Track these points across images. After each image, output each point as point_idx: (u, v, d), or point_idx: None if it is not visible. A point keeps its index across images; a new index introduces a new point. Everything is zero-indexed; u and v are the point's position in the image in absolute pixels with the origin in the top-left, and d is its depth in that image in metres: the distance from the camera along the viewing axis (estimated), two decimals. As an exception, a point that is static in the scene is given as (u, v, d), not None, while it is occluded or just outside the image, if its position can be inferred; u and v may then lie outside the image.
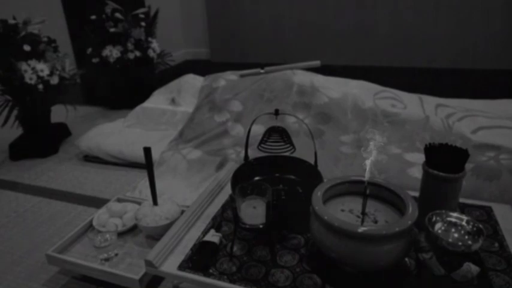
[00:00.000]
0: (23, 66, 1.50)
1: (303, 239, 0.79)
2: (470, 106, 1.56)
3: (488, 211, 0.87)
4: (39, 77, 1.54)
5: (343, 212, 0.71)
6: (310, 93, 1.53)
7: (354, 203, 0.73)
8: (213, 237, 0.79)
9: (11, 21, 1.55)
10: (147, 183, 1.02)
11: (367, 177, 0.67)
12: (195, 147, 1.47)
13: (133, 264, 0.95)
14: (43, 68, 1.54)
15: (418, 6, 2.88)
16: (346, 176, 0.77)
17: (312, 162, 0.94)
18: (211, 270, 0.72)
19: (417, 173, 1.16)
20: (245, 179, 0.90)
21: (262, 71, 1.76)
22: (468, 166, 0.97)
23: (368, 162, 0.67)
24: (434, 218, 0.67)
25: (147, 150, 0.99)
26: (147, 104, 1.91)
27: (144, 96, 2.00)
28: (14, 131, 1.67)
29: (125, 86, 2.26)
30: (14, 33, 1.54)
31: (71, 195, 1.36)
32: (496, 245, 0.75)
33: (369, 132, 0.68)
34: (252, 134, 0.96)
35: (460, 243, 0.62)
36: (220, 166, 1.35)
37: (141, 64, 2.21)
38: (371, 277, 0.68)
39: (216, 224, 0.86)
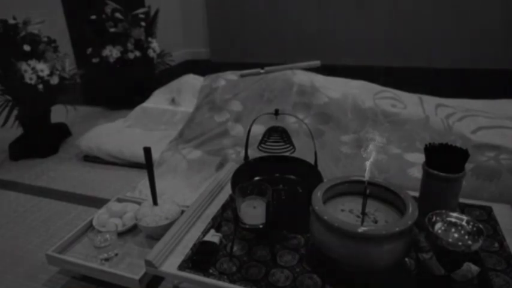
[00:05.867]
0: (23, 66, 1.50)
1: (303, 239, 0.79)
2: (470, 106, 1.56)
3: (488, 211, 0.87)
4: (39, 77, 1.54)
5: (343, 212, 0.71)
6: (310, 93, 1.53)
7: (354, 203, 0.73)
8: (213, 237, 0.79)
9: (11, 21, 1.55)
10: (147, 183, 1.02)
11: (367, 177, 0.67)
12: (195, 147, 1.47)
13: (134, 264, 0.94)
14: (43, 68, 1.54)
15: (418, 6, 2.88)
16: (346, 176, 0.77)
17: (312, 162, 0.94)
18: (211, 270, 0.72)
19: (417, 173, 1.16)
20: (245, 179, 0.90)
21: (262, 71, 1.75)
22: (468, 166, 0.97)
23: (368, 163, 0.67)
24: (434, 218, 0.67)
25: (147, 150, 0.99)
26: (147, 104, 1.91)
27: (144, 96, 2.00)
28: (14, 131, 1.67)
29: (125, 86, 2.25)
30: (14, 33, 1.54)
31: (71, 195, 1.36)
32: (496, 245, 0.75)
33: (369, 132, 0.68)
34: (252, 134, 0.96)
35: (460, 243, 0.62)
36: (220, 166, 1.35)
37: (141, 64, 2.21)
38: (371, 277, 0.68)
39: (216, 224, 0.86)
